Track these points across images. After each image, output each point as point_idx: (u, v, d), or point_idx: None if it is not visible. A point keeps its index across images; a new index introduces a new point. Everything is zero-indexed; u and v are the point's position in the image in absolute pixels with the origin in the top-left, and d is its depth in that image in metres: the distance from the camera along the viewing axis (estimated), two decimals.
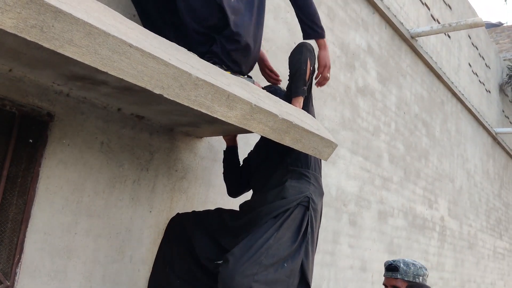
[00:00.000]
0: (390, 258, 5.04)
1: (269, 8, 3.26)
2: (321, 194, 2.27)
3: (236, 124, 1.67)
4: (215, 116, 1.59)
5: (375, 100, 5.17)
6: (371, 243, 4.77)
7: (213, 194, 2.84)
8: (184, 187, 2.65)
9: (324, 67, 2.47)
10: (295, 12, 2.55)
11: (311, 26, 2.44)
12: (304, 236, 2.03)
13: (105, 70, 1.24)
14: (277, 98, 2.11)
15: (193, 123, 2.39)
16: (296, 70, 2.28)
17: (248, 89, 1.82)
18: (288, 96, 2.35)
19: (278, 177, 2.22)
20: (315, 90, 2.79)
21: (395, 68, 5.53)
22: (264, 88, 2.50)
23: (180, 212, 2.56)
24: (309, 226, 2.06)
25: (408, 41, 5.66)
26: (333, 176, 4.21)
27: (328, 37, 4.34)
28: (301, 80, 2.28)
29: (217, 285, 1.90)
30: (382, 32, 5.21)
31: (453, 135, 7.14)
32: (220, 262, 2.00)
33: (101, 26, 1.21)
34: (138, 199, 2.40)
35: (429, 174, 6.29)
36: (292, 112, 1.99)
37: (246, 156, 2.62)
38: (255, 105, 1.67)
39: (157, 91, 1.39)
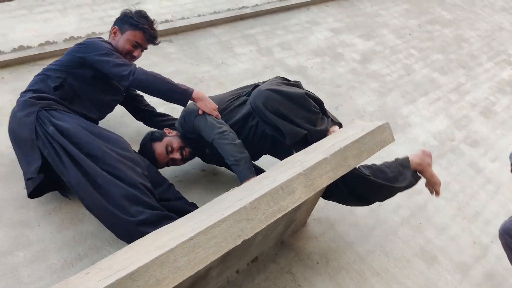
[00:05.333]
0: None
1: None
2: None
3: (307, 196, 1.74)
4: (290, 209, 1.68)
5: (380, 53, 5.14)
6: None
7: (352, 236, 2.84)
8: (334, 264, 2.67)
9: (215, 111, 2.55)
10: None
11: (175, 99, 2.50)
12: None
13: (195, 271, 1.37)
14: (311, 147, 2.18)
15: (288, 222, 2.47)
16: (232, 155, 2.39)
17: (285, 166, 1.91)
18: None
19: None
20: None
21: (365, 19, 5.55)
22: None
23: None
24: None
25: None
26: (420, 133, 4.11)
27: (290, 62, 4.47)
28: (245, 162, 2.38)
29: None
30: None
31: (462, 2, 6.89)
32: None
33: (163, 250, 1.36)
34: None
35: (474, 45, 6.03)
36: (331, 142, 2.06)
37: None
38: (304, 171, 1.75)
39: (238, 242, 1.50)
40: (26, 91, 2.48)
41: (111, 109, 2.82)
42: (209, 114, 2.52)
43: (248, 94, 2.68)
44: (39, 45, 3.52)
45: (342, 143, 1.97)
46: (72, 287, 1.30)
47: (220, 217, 1.49)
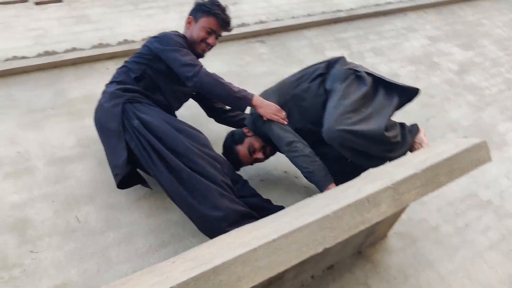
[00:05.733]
0: None
1: None
2: None
3: (393, 211, 1.70)
4: (374, 222, 1.65)
5: (479, 64, 4.86)
6: None
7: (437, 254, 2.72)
8: (412, 282, 2.58)
9: (276, 115, 2.52)
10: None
11: (234, 104, 2.53)
12: None
13: (275, 273, 1.39)
14: (400, 160, 2.12)
15: (368, 233, 2.43)
16: (305, 167, 2.41)
17: (371, 177, 1.87)
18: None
19: None
20: None
21: (465, 27, 5.26)
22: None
23: None
24: None
25: None
26: None
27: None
28: (320, 171, 2.38)
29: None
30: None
31: None
32: None
33: (246, 248, 1.39)
34: None
35: None
36: (422, 157, 1.98)
37: None
38: (392, 184, 1.71)
39: (319, 249, 1.50)
40: (111, 82, 2.62)
41: (188, 97, 2.92)
42: (274, 123, 2.50)
43: (310, 79, 2.62)
44: (142, 39, 3.73)
45: (434, 159, 1.90)
46: (159, 274, 1.38)
47: (303, 222, 1.50)
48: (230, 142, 2.70)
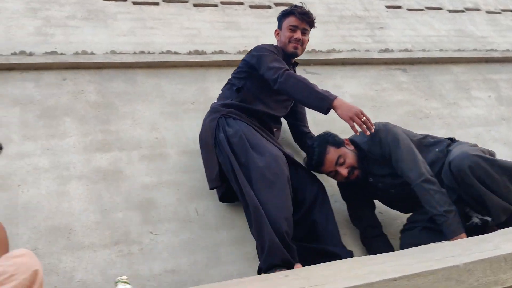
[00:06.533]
0: None
1: None
2: None
3: None
4: (509, 286, 1.49)
5: None
6: None
7: None
8: None
9: (353, 118, 2.31)
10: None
11: (315, 105, 2.47)
12: None
13: None
14: None
15: None
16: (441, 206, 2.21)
17: (510, 235, 1.70)
18: None
19: None
20: None
21: None
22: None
23: None
24: None
25: None
26: None
27: None
28: (455, 215, 2.19)
29: None
30: None
31: None
32: None
33: (362, 281, 1.34)
34: None
35: None
36: None
37: None
38: None
39: None
40: (216, 101, 2.81)
41: (290, 101, 2.91)
42: (406, 145, 2.36)
43: (439, 138, 2.60)
44: None
45: None
46: (272, 285, 1.39)
47: (429, 268, 1.40)
48: (325, 141, 2.53)
